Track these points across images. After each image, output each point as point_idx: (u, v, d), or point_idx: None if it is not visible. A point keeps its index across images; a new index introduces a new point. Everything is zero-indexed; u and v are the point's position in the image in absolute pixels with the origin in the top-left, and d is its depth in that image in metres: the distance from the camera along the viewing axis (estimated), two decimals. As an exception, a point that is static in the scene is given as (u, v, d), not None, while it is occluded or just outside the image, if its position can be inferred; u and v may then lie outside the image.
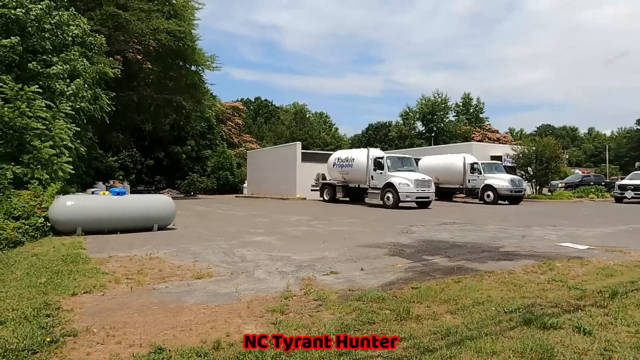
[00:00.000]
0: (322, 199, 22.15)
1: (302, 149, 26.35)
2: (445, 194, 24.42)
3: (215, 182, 38.09)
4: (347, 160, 20.53)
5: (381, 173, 18.20)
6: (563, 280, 5.25)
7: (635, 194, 22.73)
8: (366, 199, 19.42)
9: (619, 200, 23.60)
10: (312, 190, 22.90)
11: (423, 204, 17.99)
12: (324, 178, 22.43)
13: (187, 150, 38.82)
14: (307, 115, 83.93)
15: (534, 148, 25.35)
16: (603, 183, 31.32)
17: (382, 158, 18.47)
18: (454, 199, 24.74)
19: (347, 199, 21.61)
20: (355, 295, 4.55)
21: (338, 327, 3.54)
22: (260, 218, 14.08)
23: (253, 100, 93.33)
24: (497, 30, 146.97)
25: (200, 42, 26.41)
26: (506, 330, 3.55)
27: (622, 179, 28.65)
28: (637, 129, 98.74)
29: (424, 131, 65.31)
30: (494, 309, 4.11)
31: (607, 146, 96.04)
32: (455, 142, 49.99)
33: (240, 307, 4.19)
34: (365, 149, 19.49)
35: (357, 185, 20.20)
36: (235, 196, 31.55)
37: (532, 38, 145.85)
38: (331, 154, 22.72)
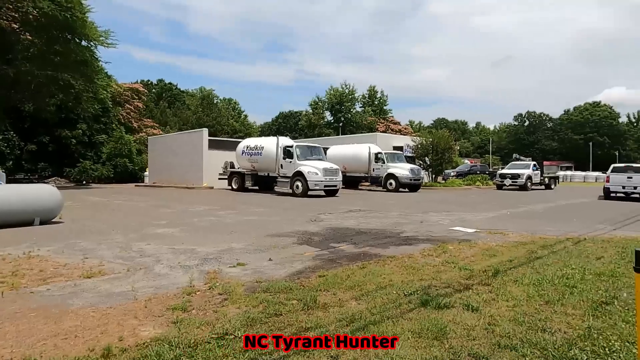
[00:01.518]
0: (230, 187, 21.57)
1: (210, 135, 25.26)
2: (351, 182, 25.35)
3: (112, 170, 34.92)
4: (257, 148, 20.19)
5: (290, 162, 18.24)
6: (455, 262, 5.73)
7: (512, 181, 25.87)
8: (276, 187, 19.35)
9: (499, 187, 26.66)
10: (219, 179, 22.15)
11: (331, 192, 18.45)
12: (232, 166, 21.82)
13: (78, 134, 34.94)
14: (215, 101, 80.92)
15: (430, 140, 27.46)
16: (487, 172, 35.16)
17: (291, 147, 18.50)
18: (359, 187, 25.79)
19: (257, 187, 21.32)
20: (262, 287, 4.47)
21: (244, 321, 3.43)
22: (164, 209, 13.26)
23: (155, 82, 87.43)
24: (403, 27, 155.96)
25: (94, 15, 23.80)
26: (406, 312, 3.75)
27: (502, 168, 32.39)
28: (514, 124, 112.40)
29: (332, 121, 66.96)
30: (395, 292, 4.32)
31: (490, 139, 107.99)
32: (362, 133, 52.12)
33: (137, 307, 3.85)
34: (275, 138, 19.34)
35: (266, 174, 20.03)
36: (135, 185, 29.34)
37: (433, 38, 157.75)
38: (240, 142, 22.15)
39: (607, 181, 19.94)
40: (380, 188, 23.44)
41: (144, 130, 45.63)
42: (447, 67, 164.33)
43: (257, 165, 20.27)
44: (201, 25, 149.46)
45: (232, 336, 3.14)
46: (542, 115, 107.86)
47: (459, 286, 4.58)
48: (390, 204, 15.47)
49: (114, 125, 37.92)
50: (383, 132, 51.17)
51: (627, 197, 19.44)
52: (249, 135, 70.04)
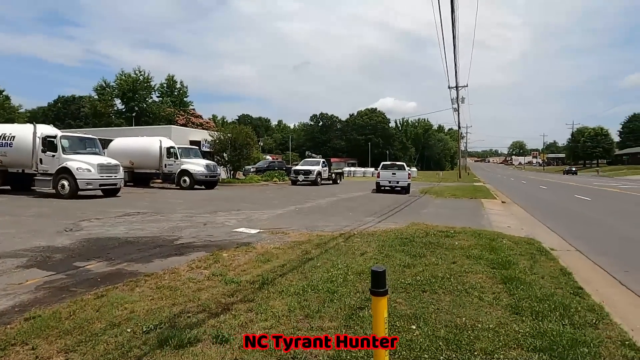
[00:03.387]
0: (-35, 188, 16.33)
1: None
2: (142, 179, 22.71)
3: None
4: (5, 137, 15.68)
5: (54, 156, 14.80)
6: (223, 274, 5.08)
7: (304, 177, 27.59)
8: (34, 187, 15.53)
9: (294, 182, 28.10)
10: (-54, 176, 16.50)
11: (110, 191, 15.86)
12: (-33, 161, 16.55)
13: None
14: (-40, 75, 62.50)
15: (229, 135, 26.84)
16: (284, 168, 36.84)
17: (54, 137, 14.98)
18: (151, 185, 23.32)
19: (8, 187, 16.80)
20: None
21: None
22: None
23: None
24: (209, 19, 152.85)
25: None
26: (132, 362, 2.82)
27: (296, 164, 34.41)
28: (310, 124, 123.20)
29: (124, 110, 59.69)
30: (130, 330, 3.34)
31: (290, 137, 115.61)
32: (160, 124, 48.06)
33: None
34: (31, 125, 15.44)
35: (20, 170, 15.88)
36: None
37: (239, 36, 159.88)
38: (-20, 129, 16.97)
39: (378, 177, 23.11)
40: (174, 186, 21.61)
41: None
42: (253, 66, 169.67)
43: (7, 160, 15.88)
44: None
45: None
46: (333, 117, 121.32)
47: (217, 308, 3.91)
48: (178, 203, 14.14)
49: None
50: (183, 125, 48.35)
51: (393, 190, 22.91)
52: (12, 121, 56.45)
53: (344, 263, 5.62)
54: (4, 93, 67.38)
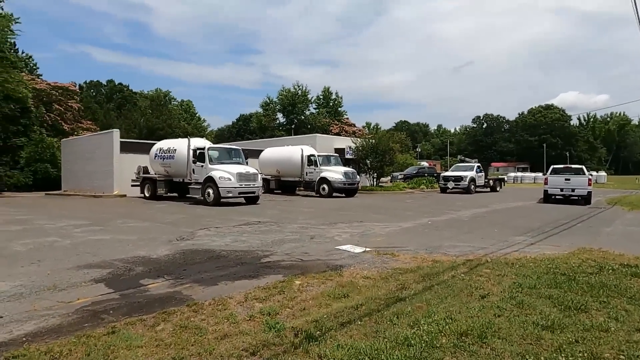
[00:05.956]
0: (143, 195, 19.15)
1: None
2: (287, 187, 23.44)
3: (31, 176, 31.34)
4: (169, 151, 17.91)
5: (202, 166, 16.11)
6: (273, 313, 3.93)
7: (455, 184, 24.70)
8: (189, 195, 17.22)
9: (443, 190, 25.44)
10: (132, 185, 19.62)
11: (251, 199, 16.48)
12: (146, 171, 19.40)
13: (-13, 137, 31.16)
14: (172, 103, 77.43)
15: (372, 141, 25.85)
16: (435, 175, 33.98)
17: (203, 149, 16.33)
18: (297, 193, 23.90)
19: (176, 194, 19.08)
20: None
21: None
22: (14, 225, 10.60)
23: (105, 83, 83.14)
24: (368, 32, 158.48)
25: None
26: None
27: (446, 170, 31.36)
28: (473, 126, 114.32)
29: (284, 122, 64.91)
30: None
31: (448, 141, 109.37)
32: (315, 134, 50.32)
33: None
34: (186, 139, 17.16)
35: (181, 180, 17.81)
36: (46, 194, 26.04)
37: (395, 42, 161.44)
38: (154, 144, 19.78)
39: (545, 183, 19.00)
40: (314, 193, 21.60)
41: (79, 132, 42.05)
42: (410, 71, 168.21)
43: (170, 170, 18.01)
44: (164, 27, 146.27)
45: None
46: (498, 117, 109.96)
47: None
48: (304, 212, 13.67)
49: (35, 127, 34.38)
50: (337, 134, 49.63)
51: (567, 199, 18.56)
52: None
53: (446, 312, 3.87)
54: (197, 115, 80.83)
